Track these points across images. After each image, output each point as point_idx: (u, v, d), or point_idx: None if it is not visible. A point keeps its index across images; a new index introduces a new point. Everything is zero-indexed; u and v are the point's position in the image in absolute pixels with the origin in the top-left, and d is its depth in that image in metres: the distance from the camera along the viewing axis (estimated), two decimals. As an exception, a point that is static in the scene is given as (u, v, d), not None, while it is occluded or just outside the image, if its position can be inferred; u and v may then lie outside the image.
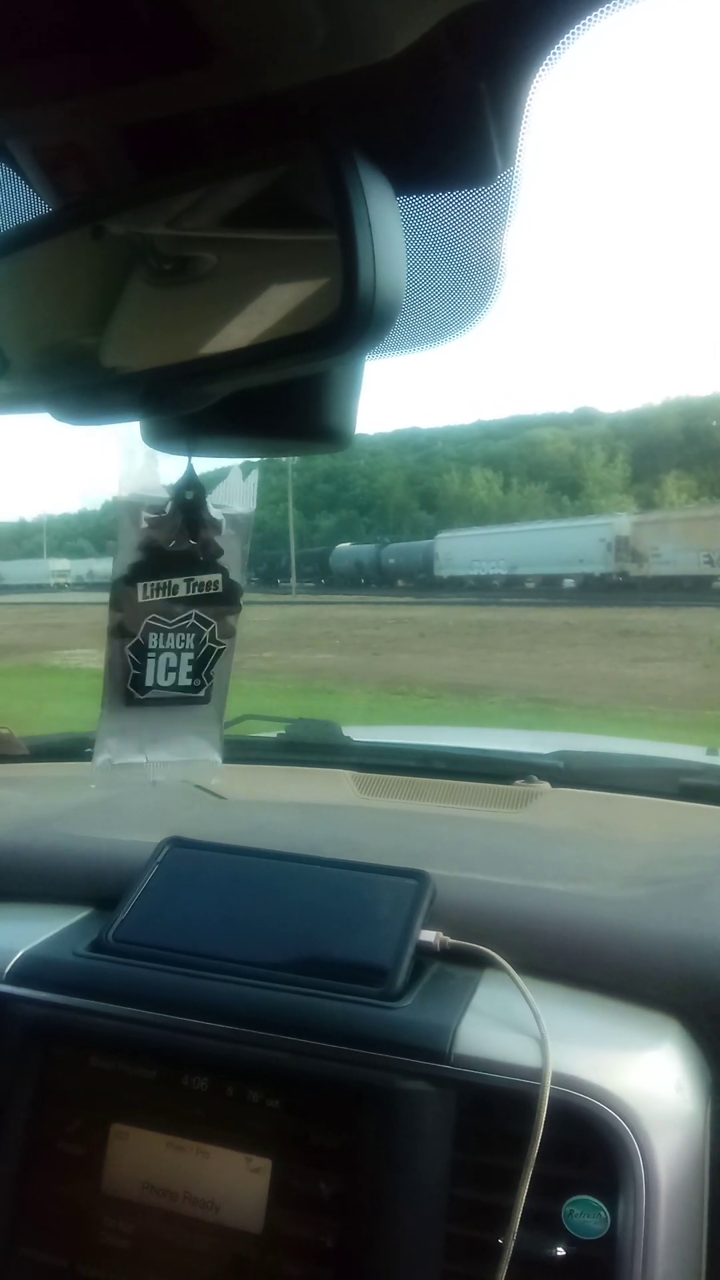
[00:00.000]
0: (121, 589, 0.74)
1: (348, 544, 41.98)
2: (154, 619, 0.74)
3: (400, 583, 35.31)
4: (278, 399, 0.68)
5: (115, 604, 0.74)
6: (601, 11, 0.52)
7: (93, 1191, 0.75)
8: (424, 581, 34.15)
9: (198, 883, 0.92)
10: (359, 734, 1.67)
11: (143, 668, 0.75)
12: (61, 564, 51.63)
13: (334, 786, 1.42)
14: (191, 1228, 0.72)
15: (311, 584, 37.21)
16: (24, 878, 1.03)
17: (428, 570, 34.76)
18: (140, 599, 0.74)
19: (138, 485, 0.74)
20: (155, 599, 0.74)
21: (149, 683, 0.75)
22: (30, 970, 0.84)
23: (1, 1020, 0.81)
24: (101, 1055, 0.78)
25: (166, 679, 0.76)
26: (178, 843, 0.96)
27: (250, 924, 0.86)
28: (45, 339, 0.70)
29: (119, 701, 0.75)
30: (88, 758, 1.57)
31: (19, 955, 0.86)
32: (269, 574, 38.16)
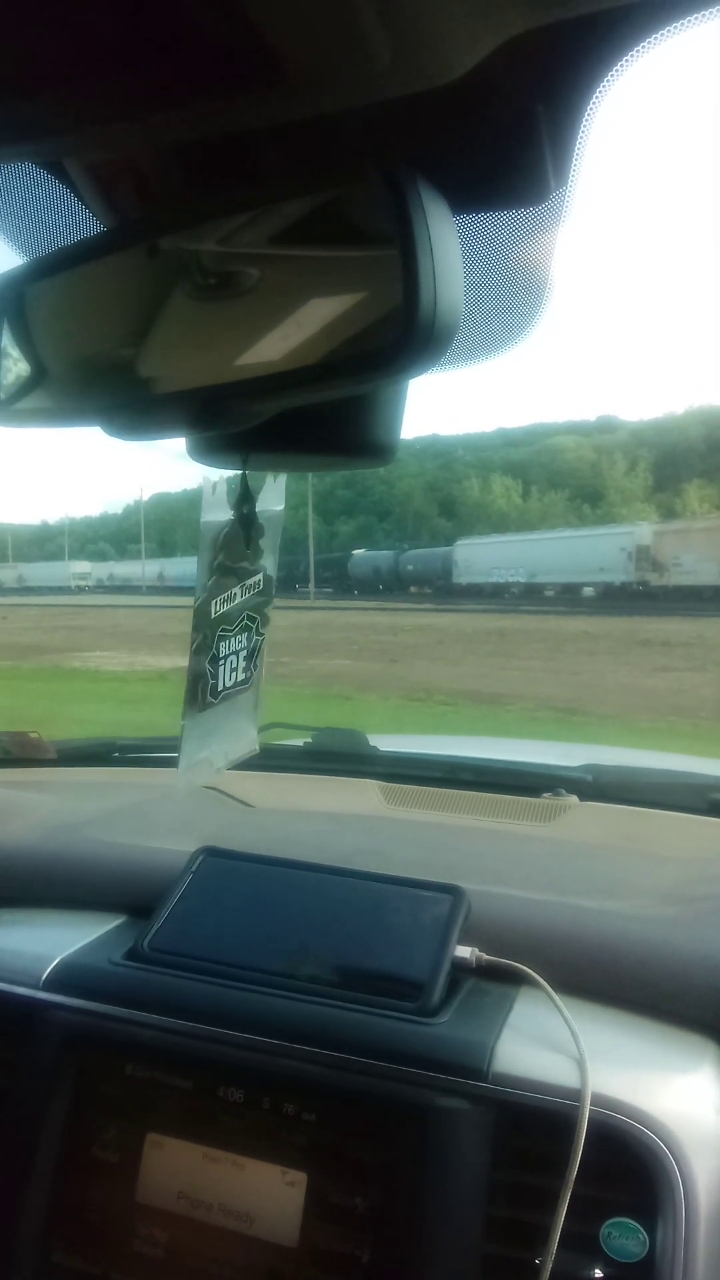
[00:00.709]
0: (204, 611, 0.77)
1: (363, 550, 42.02)
2: (223, 629, 0.78)
3: (413, 589, 35.28)
4: (324, 416, 0.68)
5: (198, 626, 0.77)
6: (658, 36, 0.53)
7: (127, 1200, 0.75)
8: (442, 588, 34.10)
9: (232, 893, 0.92)
10: (384, 743, 1.67)
11: (217, 675, 0.78)
12: (82, 566, 52.00)
13: (361, 796, 1.41)
14: (226, 1239, 0.72)
15: (330, 589, 37.26)
16: (57, 884, 1.04)
17: (446, 577, 34.73)
18: (213, 615, 0.77)
19: (215, 512, 0.76)
20: (223, 610, 0.78)
21: (220, 687, 0.79)
22: (66, 978, 0.85)
23: (38, 1028, 0.82)
24: (137, 1064, 0.78)
25: (231, 679, 0.79)
26: (211, 852, 0.97)
27: (285, 935, 0.86)
28: (85, 351, 0.71)
29: (198, 710, 0.78)
30: (115, 763, 1.59)
31: (55, 963, 0.86)
32: (287, 579, 38.20)
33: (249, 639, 0.81)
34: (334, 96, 0.49)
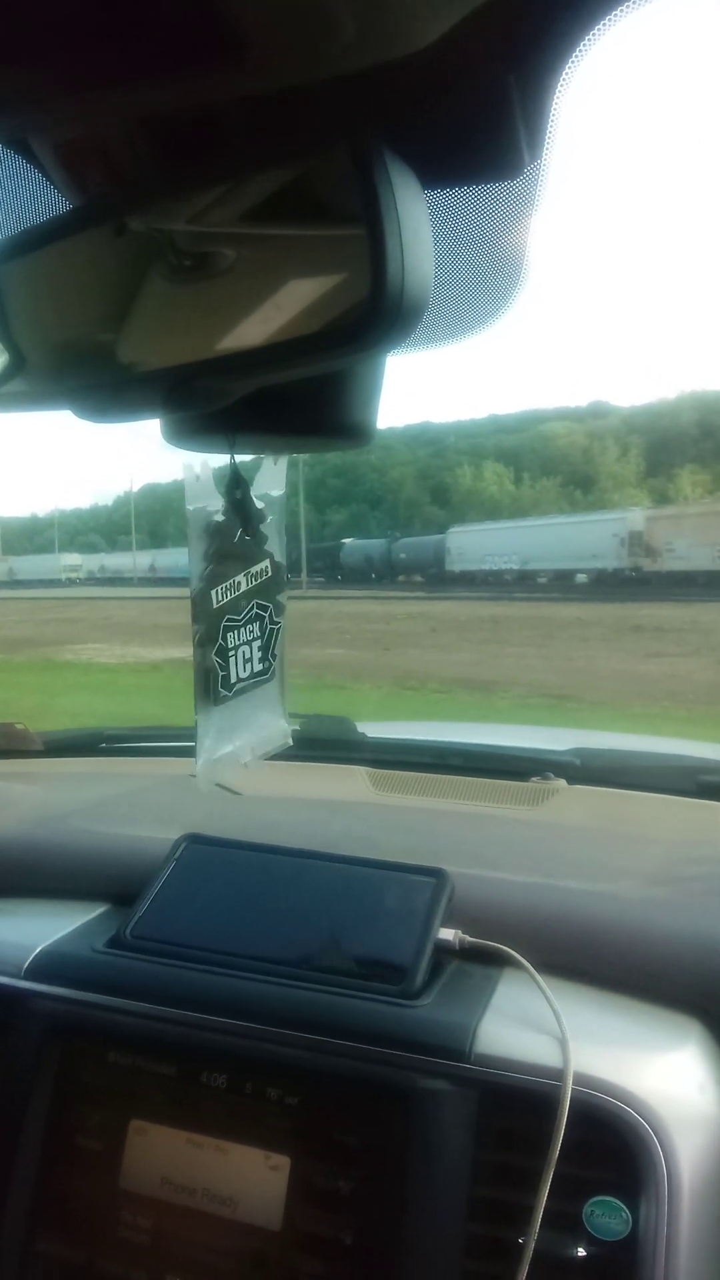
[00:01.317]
0: (201, 601, 0.75)
1: (355, 539, 42.01)
2: (229, 619, 0.76)
3: (401, 578, 35.28)
4: (300, 396, 0.68)
5: (197, 617, 0.75)
6: (633, 3, 0.52)
7: (111, 1187, 0.75)
8: (435, 576, 34.10)
9: (215, 879, 0.92)
10: (373, 730, 1.66)
11: (227, 667, 0.77)
12: (73, 559, 51.80)
13: (349, 783, 1.41)
14: (210, 1224, 0.72)
15: (322, 579, 37.22)
16: (41, 874, 1.03)
17: (439, 565, 34.72)
18: (214, 605, 0.76)
19: (201, 498, 0.75)
20: (226, 600, 0.76)
21: (233, 679, 0.78)
22: (49, 966, 0.85)
23: (21, 1016, 0.81)
24: (120, 1051, 0.78)
25: (245, 670, 0.78)
26: (195, 839, 0.96)
27: (268, 921, 0.86)
28: (63, 336, 0.70)
29: (211, 704, 0.77)
30: (102, 753, 1.59)
31: (37, 951, 0.86)
32: (279, 568, 38.00)
33: (261, 628, 0.80)
34: (298, 68, 0.48)
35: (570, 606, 21.13)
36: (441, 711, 8.62)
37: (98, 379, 0.67)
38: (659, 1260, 0.64)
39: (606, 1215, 0.65)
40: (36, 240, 0.64)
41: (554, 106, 0.57)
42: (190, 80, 0.49)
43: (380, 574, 36.40)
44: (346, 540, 41.44)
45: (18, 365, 0.69)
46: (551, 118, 0.58)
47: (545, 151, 0.61)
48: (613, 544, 29.64)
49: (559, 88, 0.56)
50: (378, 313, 0.48)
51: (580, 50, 0.54)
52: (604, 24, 0.53)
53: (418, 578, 34.83)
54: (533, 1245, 0.64)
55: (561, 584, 30.15)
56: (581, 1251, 0.65)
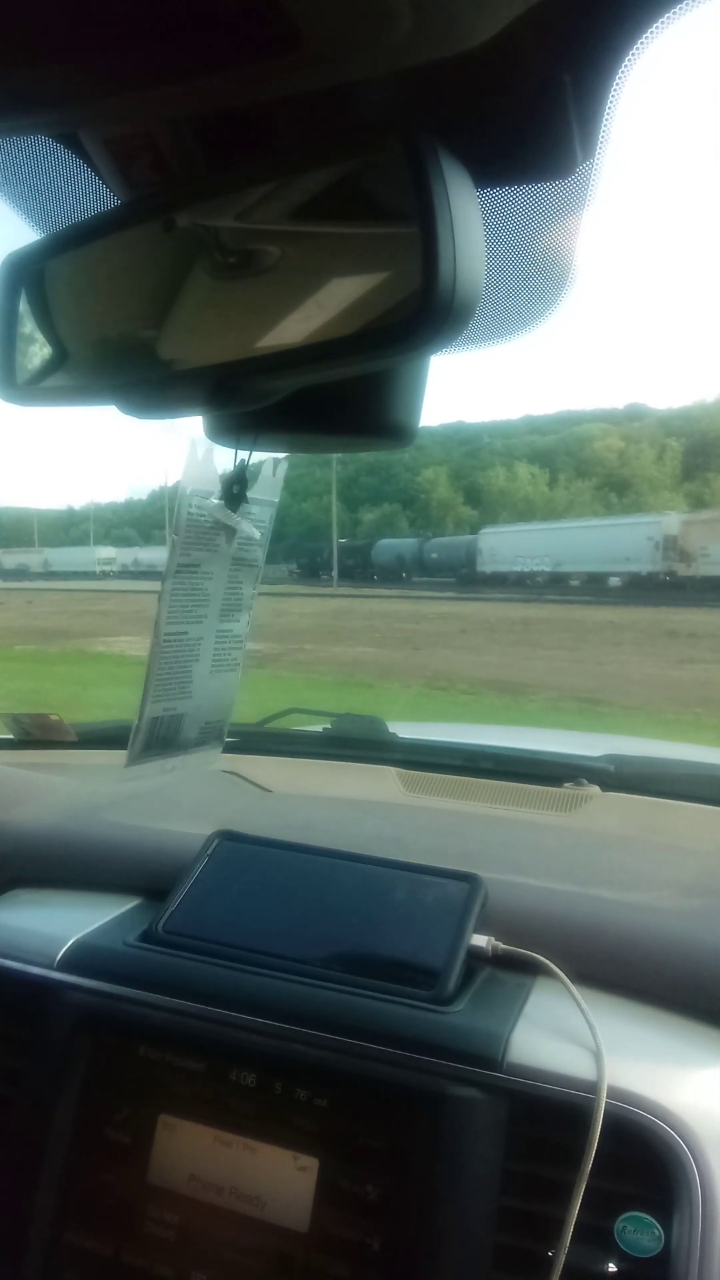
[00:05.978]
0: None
1: (386, 538, 41.99)
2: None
3: (436, 577, 35.19)
4: (343, 395, 0.67)
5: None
6: (691, 3, 0.51)
7: (139, 1181, 0.75)
8: (466, 577, 33.96)
9: (247, 877, 0.92)
10: (404, 730, 1.66)
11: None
12: (107, 552, 52.23)
13: (380, 783, 1.41)
14: (237, 1223, 0.72)
15: (353, 577, 37.23)
16: (74, 866, 1.04)
17: (470, 565, 34.57)
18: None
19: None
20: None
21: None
22: (81, 959, 0.85)
23: (52, 1008, 0.82)
24: (150, 1046, 0.78)
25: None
26: (227, 836, 0.96)
27: (300, 920, 0.86)
28: (105, 331, 0.70)
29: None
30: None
31: (70, 944, 0.86)
32: (311, 567, 38.28)
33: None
34: (353, 64, 0.48)
35: (603, 610, 20.96)
36: (470, 712, 8.59)
37: (140, 375, 0.67)
38: (692, 1279, 0.62)
39: (638, 1231, 0.64)
40: (84, 236, 0.65)
41: (609, 106, 0.56)
42: (243, 75, 0.49)
43: (411, 573, 36.34)
44: (382, 540, 41.40)
45: (60, 359, 0.69)
46: (606, 117, 0.57)
47: (598, 151, 0.60)
48: (647, 548, 29.33)
49: (614, 87, 0.56)
50: (428, 312, 0.48)
51: (636, 50, 0.53)
52: (661, 23, 0.52)
53: (450, 578, 34.69)
54: (563, 1259, 0.63)
55: (594, 587, 29.89)
56: (612, 1267, 0.64)
